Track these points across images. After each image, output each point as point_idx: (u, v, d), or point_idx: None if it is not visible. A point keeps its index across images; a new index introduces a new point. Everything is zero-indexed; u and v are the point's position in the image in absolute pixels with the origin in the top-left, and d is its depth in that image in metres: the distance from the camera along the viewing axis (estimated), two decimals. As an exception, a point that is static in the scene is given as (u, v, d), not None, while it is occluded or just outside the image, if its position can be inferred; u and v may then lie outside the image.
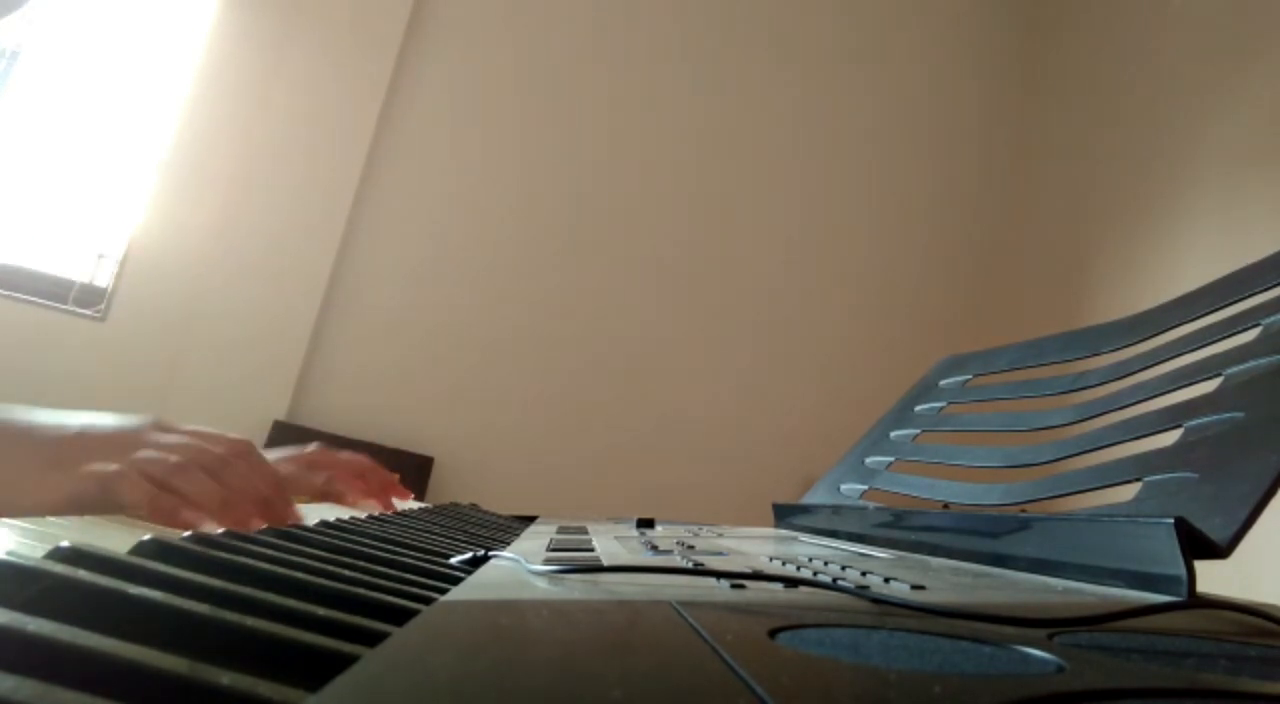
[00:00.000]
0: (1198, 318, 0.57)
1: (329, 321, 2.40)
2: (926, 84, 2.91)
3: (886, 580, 0.38)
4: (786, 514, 0.90)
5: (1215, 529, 0.37)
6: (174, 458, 0.49)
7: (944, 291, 2.80)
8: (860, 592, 0.31)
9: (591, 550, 0.51)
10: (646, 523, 0.79)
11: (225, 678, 0.16)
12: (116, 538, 0.39)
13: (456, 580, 0.34)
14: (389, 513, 0.79)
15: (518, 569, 0.37)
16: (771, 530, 0.86)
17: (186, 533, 0.33)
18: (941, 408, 0.81)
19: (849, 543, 0.65)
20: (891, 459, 0.80)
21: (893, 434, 0.83)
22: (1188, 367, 0.53)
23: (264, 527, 0.43)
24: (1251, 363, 0.47)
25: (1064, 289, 2.50)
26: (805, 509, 0.85)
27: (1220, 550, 0.37)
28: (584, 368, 2.55)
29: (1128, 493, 0.47)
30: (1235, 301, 0.54)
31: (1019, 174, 2.85)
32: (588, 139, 2.64)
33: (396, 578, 0.32)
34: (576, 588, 0.32)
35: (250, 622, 0.20)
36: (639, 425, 2.55)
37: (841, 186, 2.80)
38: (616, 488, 2.45)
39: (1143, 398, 0.55)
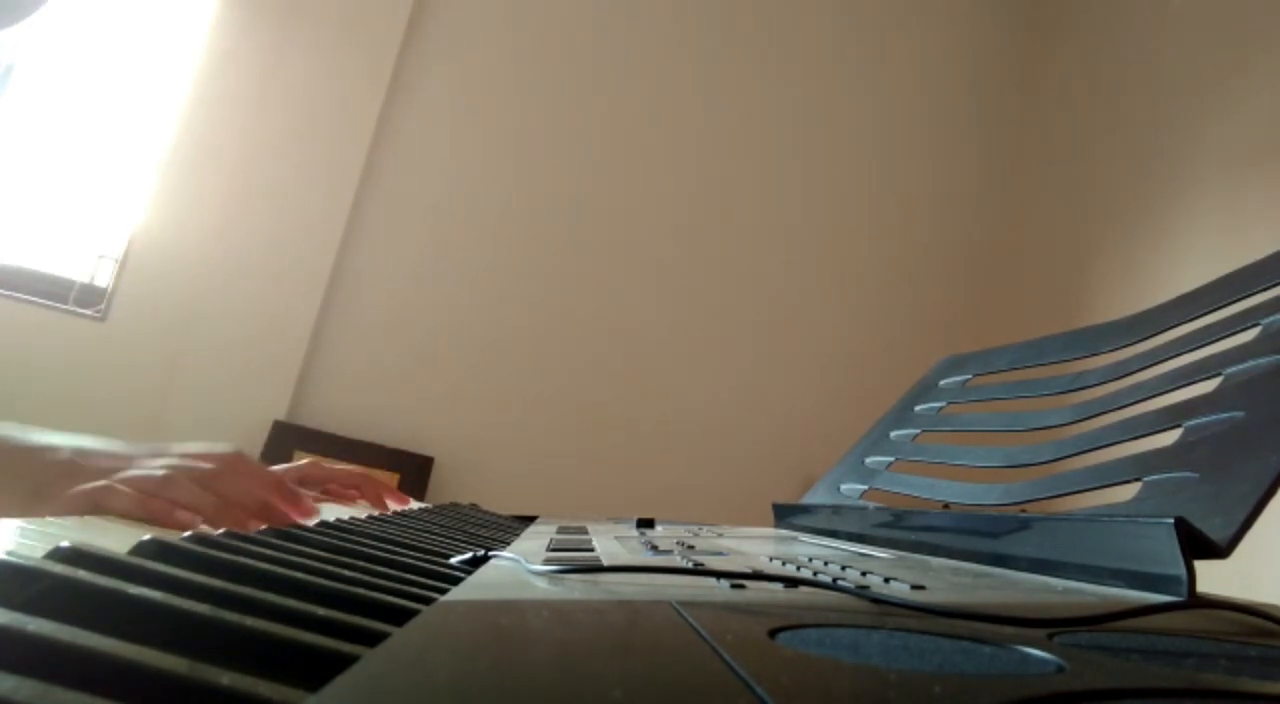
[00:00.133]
0: (1198, 318, 0.57)
1: (329, 322, 2.40)
2: (926, 84, 2.91)
3: (886, 580, 0.38)
4: (786, 514, 0.90)
5: (1215, 529, 0.37)
6: (160, 473, 0.49)
7: (944, 291, 2.80)
8: (860, 592, 0.31)
9: (591, 550, 0.51)
10: (646, 523, 0.79)
11: (225, 678, 0.16)
12: (116, 538, 0.39)
13: (456, 580, 0.34)
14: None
15: (518, 569, 0.37)
16: (771, 530, 0.86)
17: (186, 533, 0.33)
18: (941, 408, 0.81)
19: (849, 543, 0.65)
20: (891, 459, 0.80)
21: (893, 434, 0.83)
22: (1187, 366, 0.53)
23: (263, 527, 0.43)
24: (1251, 363, 0.47)
25: (1064, 289, 2.50)
26: (805, 509, 0.85)
27: (1220, 550, 0.37)
28: (584, 368, 2.55)
29: (1128, 493, 0.47)
30: (1235, 301, 0.54)
31: (1019, 174, 2.85)
32: (588, 139, 2.64)
33: (396, 578, 0.32)
34: (576, 588, 0.32)
35: (250, 622, 0.20)
36: (639, 425, 2.55)
37: (841, 186, 2.80)
38: (616, 488, 2.45)
39: (1142, 398, 0.55)
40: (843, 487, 0.84)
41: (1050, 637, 0.25)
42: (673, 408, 2.58)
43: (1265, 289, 0.52)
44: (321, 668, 0.18)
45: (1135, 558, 0.38)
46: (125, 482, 0.48)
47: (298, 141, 2.39)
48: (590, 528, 0.76)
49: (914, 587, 0.36)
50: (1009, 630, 0.25)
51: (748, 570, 0.37)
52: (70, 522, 0.41)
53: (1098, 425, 0.57)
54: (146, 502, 0.46)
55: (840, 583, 0.35)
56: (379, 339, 2.43)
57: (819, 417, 2.57)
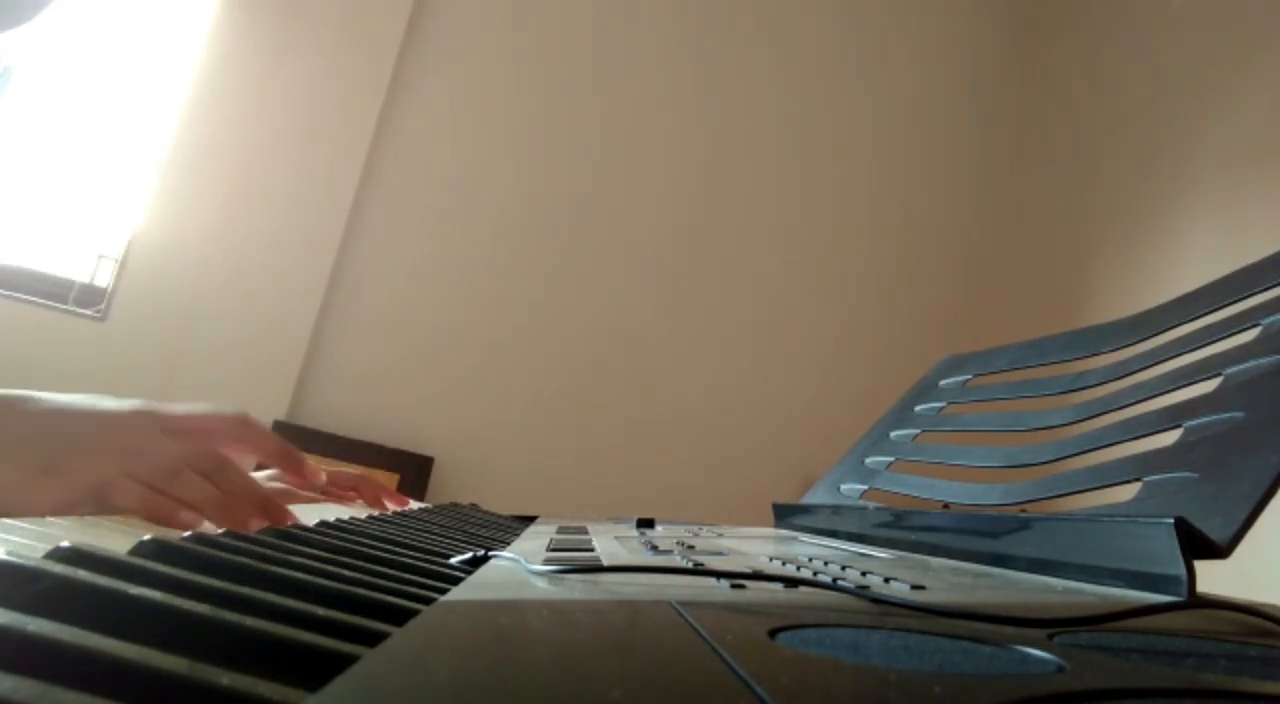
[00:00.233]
0: (1198, 318, 0.57)
1: (329, 321, 2.40)
2: (926, 83, 2.91)
3: (886, 580, 0.38)
4: (786, 514, 0.90)
5: (1215, 529, 0.37)
6: (168, 463, 0.49)
7: (944, 291, 2.80)
8: (860, 592, 0.31)
9: (591, 550, 0.51)
10: (646, 523, 0.79)
11: (225, 678, 0.16)
12: (116, 538, 0.39)
13: (456, 580, 0.34)
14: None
15: (518, 569, 0.37)
16: (771, 530, 0.86)
17: (186, 533, 0.33)
18: (941, 408, 0.81)
19: (849, 543, 0.65)
20: (891, 459, 0.80)
21: (893, 434, 0.83)
22: (1188, 367, 0.53)
23: (264, 527, 0.43)
24: (1251, 363, 0.47)
25: (1064, 289, 2.50)
26: (805, 509, 0.85)
27: (1220, 550, 0.37)
28: (584, 368, 2.55)
29: (1128, 493, 0.47)
30: (1235, 301, 0.54)
31: (1019, 174, 2.85)
32: (587, 139, 2.64)
33: (396, 578, 0.32)
34: (576, 588, 0.32)
35: (250, 622, 0.20)
36: (639, 425, 2.55)
37: (841, 186, 2.80)
38: (616, 488, 2.45)
39: (1143, 398, 0.55)
40: (843, 487, 0.84)
41: (1050, 637, 0.25)
42: (673, 408, 2.58)
43: (1265, 289, 0.52)
44: (321, 668, 0.18)
45: (1135, 558, 0.38)
46: (133, 473, 0.48)
47: (298, 141, 2.39)
48: (590, 528, 0.76)
49: (914, 587, 0.36)
50: (1009, 630, 0.25)
51: (748, 570, 0.37)
52: (70, 521, 0.41)
53: (1098, 425, 0.57)
54: (151, 500, 0.47)
55: (840, 583, 0.35)
56: (379, 339, 2.43)
57: (819, 417, 2.57)
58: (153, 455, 0.50)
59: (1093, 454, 0.55)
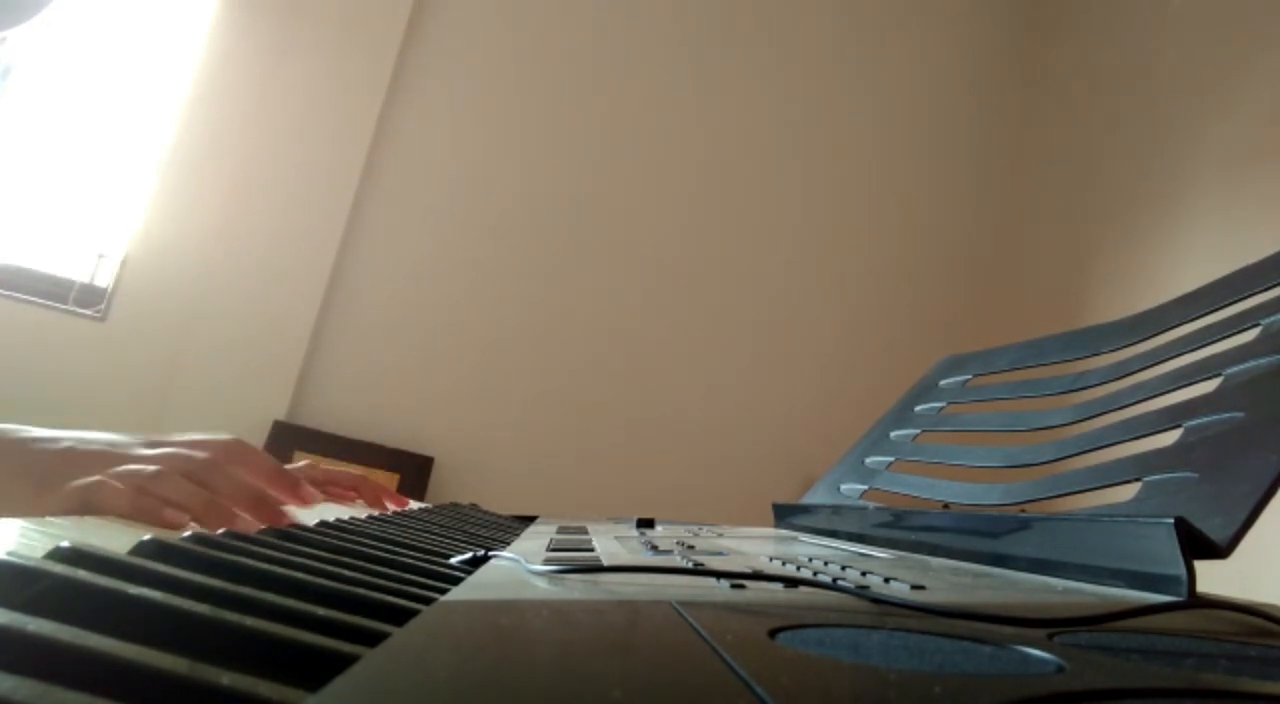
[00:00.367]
0: (1198, 318, 0.57)
1: (329, 321, 2.40)
2: (926, 83, 2.91)
3: (886, 580, 0.38)
4: (786, 514, 0.90)
5: (1215, 529, 0.37)
6: (152, 468, 0.49)
7: (944, 291, 2.80)
8: (860, 592, 0.31)
9: (591, 550, 0.51)
10: (646, 523, 0.79)
11: (225, 678, 0.16)
12: (116, 538, 0.39)
13: (456, 580, 0.34)
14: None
15: (518, 569, 0.37)
16: (771, 530, 0.86)
17: (186, 533, 0.33)
18: (941, 408, 0.81)
19: (849, 543, 0.65)
20: (891, 459, 0.80)
21: (893, 434, 0.83)
22: (1188, 367, 0.53)
23: (257, 527, 0.43)
24: (1251, 363, 0.47)
25: (1064, 289, 2.50)
26: (805, 509, 0.85)
27: (1220, 550, 0.37)
28: (584, 368, 2.55)
29: (1128, 493, 0.47)
30: (1235, 301, 0.54)
31: (1019, 174, 2.85)
32: (587, 139, 2.64)
33: (396, 578, 0.32)
34: (576, 588, 0.32)
35: (250, 622, 0.20)
36: (639, 425, 2.55)
37: (841, 186, 2.80)
38: (616, 488, 2.45)
39: (1143, 398, 0.55)
40: (843, 487, 0.84)
41: (1050, 637, 0.25)
42: (673, 408, 2.58)
43: (1265, 289, 0.52)
44: (321, 668, 0.18)
45: (1135, 558, 0.38)
46: (118, 477, 0.48)
47: (298, 141, 2.39)
48: (590, 528, 0.76)
49: (914, 587, 0.36)
50: (1009, 630, 0.25)
51: (748, 570, 0.37)
52: (70, 521, 0.41)
53: (1098, 425, 0.57)
54: (137, 499, 0.47)
55: (840, 583, 0.35)
56: (379, 339, 2.43)
57: (819, 417, 2.57)
58: (138, 462, 0.50)
59: (1093, 454, 0.55)
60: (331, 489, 0.80)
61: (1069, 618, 0.28)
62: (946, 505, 0.66)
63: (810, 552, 0.56)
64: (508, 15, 2.61)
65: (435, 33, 2.54)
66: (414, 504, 0.94)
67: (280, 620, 0.21)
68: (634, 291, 2.61)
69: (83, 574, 0.22)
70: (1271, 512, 0.38)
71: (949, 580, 0.41)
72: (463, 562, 0.41)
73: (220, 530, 0.36)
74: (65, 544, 0.25)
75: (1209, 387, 0.49)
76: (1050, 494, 0.56)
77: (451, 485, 2.36)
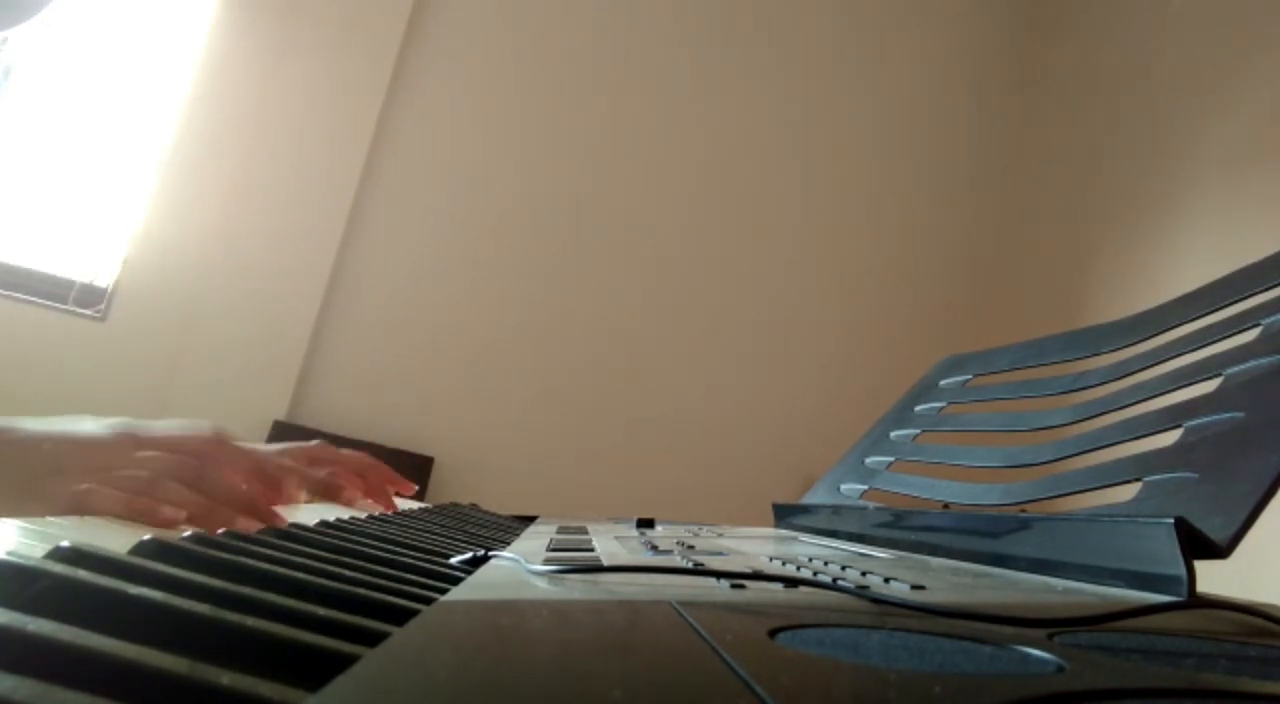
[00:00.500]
0: (1198, 318, 0.57)
1: (329, 321, 2.40)
2: (926, 84, 2.91)
3: (886, 580, 0.38)
4: (786, 514, 0.90)
5: (1215, 529, 0.37)
6: (146, 473, 0.49)
7: (944, 292, 2.80)
8: (860, 592, 0.31)
9: (591, 550, 0.51)
10: (646, 523, 0.79)
11: (225, 678, 0.16)
12: (116, 538, 0.39)
13: (456, 580, 0.34)
14: (390, 512, 0.79)
15: (518, 569, 0.37)
16: (771, 530, 0.86)
17: (186, 533, 0.33)
18: (941, 408, 0.81)
19: (849, 543, 0.65)
20: (891, 459, 0.80)
21: (893, 434, 0.83)
22: (1188, 367, 0.53)
23: (253, 528, 0.43)
24: (1251, 363, 0.47)
25: (1064, 289, 2.50)
26: (805, 509, 0.85)
27: (1220, 550, 0.37)
28: (584, 368, 2.55)
29: (1128, 493, 0.47)
30: (1235, 301, 0.54)
31: (1019, 174, 2.85)
32: (587, 139, 2.64)
33: (396, 578, 0.32)
34: (576, 588, 0.32)
35: (250, 622, 0.20)
36: (639, 425, 2.55)
37: (841, 186, 2.80)
38: (616, 488, 2.45)
39: (1143, 398, 0.55)
40: (843, 487, 0.84)
41: (1050, 637, 0.25)
42: (673, 408, 2.57)
43: (1265, 289, 0.52)
44: (321, 668, 0.18)
45: (1135, 558, 0.38)
46: (112, 483, 0.48)
47: (298, 141, 2.39)
48: (590, 528, 0.76)
49: (914, 587, 0.36)
50: (1009, 630, 0.25)
51: (748, 570, 0.37)
52: (70, 521, 0.41)
53: (1098, 425, 0.57)
54: (131, 502, 0.46)
55: (840, 583, 0.35)
56: (379, 339, 2.43)
57: (819, 417, 2.57)
58: (130, 469, 0.50)
59: (1093, 454, 0.55)
60: (338, 471, 0.80)
61: (1069, 618, 0.28)
62: (946, 505, 0.66)
63: (810, 552, 0.56)
64: (508, 15, 2.61)
65: (435, 33, 2.54)
66: (414, 504, 0.94)
67: (280, 620, 0.21)
68: (634, 292, 2.61)
69: (83, 574, 0.22)
70: (1271, 512, 0.38)
71: (949, 580, 0.41)
72: (463, 562, 0.41)
73: (220, 531, 0.36)
74: (65, 544, 0.25)
75: (1209, 387, 0.49)
76: (1050, 494, 0.56)
77: (451, 485, 2.36)
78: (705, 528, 0.81)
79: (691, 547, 0.54)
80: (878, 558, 0.53)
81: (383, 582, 0.31)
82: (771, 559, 0.49)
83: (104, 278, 2.27)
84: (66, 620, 0.18)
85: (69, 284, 2.25)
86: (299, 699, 0.16)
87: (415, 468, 2.32)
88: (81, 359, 2.20)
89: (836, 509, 0.78)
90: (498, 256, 2.53)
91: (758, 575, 0.35)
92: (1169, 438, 0.49)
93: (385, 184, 2.47)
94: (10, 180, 2.29)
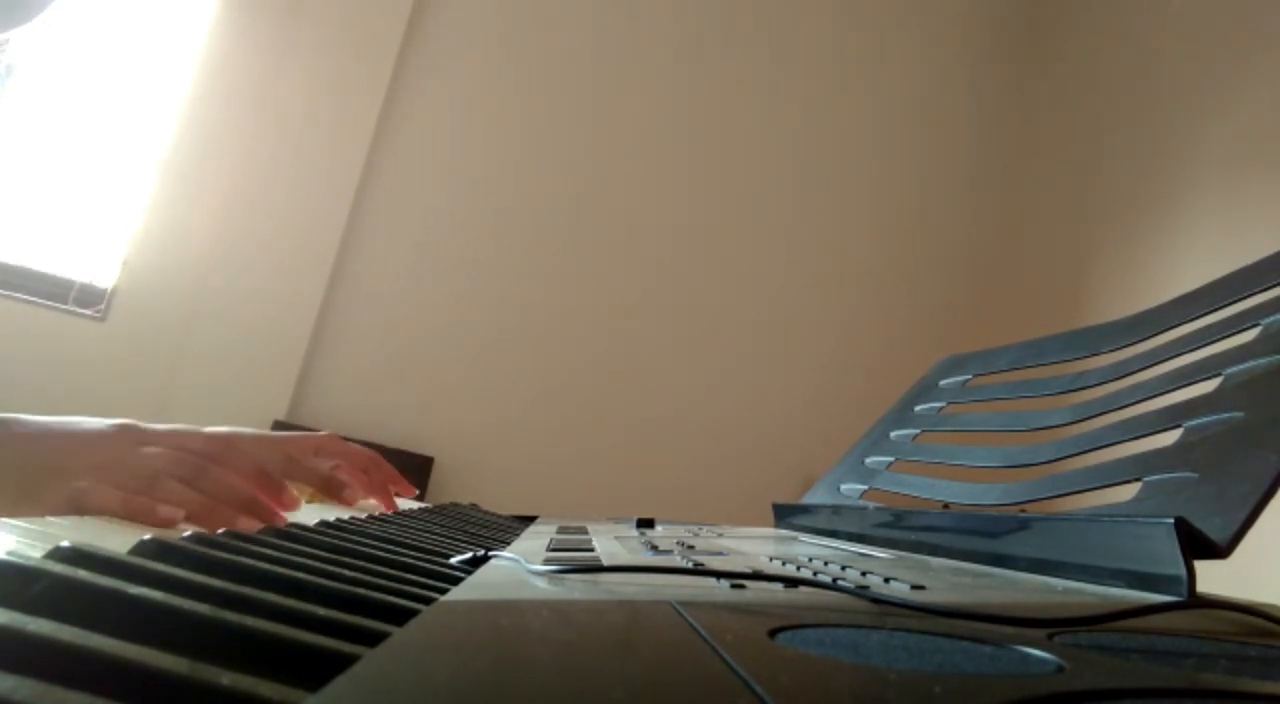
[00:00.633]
0: (1198, 318, 0.57)
1: (329, 321, 2.40)
2: (926, 83, 2.91)
3: (886, 580, 0.38)
4: (786, 514, 0.90)
5: (1215, 529, 0.37)
6: (146, 473, 0.49)
7: (944, 291, 2.80)
8: (860, 592, 0.31)
9: (591, 550, 0.51)
10: (646, 523, 0.79)
11: (225, 678, 0.16)
12: (116, 538, 0.39)
13: (456, 580, 0.34)
14: (390, 512, 0.79)
15: (518, 569, 0.37)
16: (771, 530, 0.86)
17: (186, 533, 0.33)
18: (941, 408, 0.81)
19: (849, 543, 0.65)
20: (891, 459, 0.80)
21: (893, 434, 0.83)
22: (1188, 367, 0.53)
23: (253, 528, 0.43)
24: (1251, 363, 0.47)
25: (1064, 289, 2.50)
26: (805, 509, 0.85)
27: (1220, 550, 0.37)
28: (584, 368, 2.55)
29: (1128, 493, 0.47)
30: (1235, 301, 0.54)
31: (1019, 173, 2.85)
32: (587, 139, 2.64)
33: (396, 578, 0.32)
34: (576, 588, 0.32)
35: (250, 622, 0.20)
36: (639, 425, 2.55)
37: (841, 186, 2.80)
38: (616, 488, 2.45)
39: (1142, 398, 0.55)
40: (843, 487, 0.84)
41: (1050, 637, 0.25)
42: (673, 408, 2.58)
43: (1265, 289, 0.52)
44: (321, 668, 0.18)
45: (1135, 558, 0.38)
46: (111, 481, 0.48)
47: (298, 142, 2.39)
48: (590, 528, 0.76)
49: (914, 587, 0.36)
50: (1009, 630, 0.25)
51: (748, 570, 0.37)
52: (70, 521, 0.41)
53: (1098, 425, 0.57)
54: (129, 500, 0.46)
55: (840, 583, 0.35)
56: (379, 339, 2.43)
57: (819, 417, 2.57)
58: (130, 467, 0.49)
59: (1093, 454, 0.55)
60: (344, 466, 0.80)
61: (1069, 618, 0.28)
62: (946, 505, 0.66)
63: (810, 552, 0.56)
64: (508, 15, 2.61)
65: (435, 33, 2.54)
66: (414, 504, 0.94)
67: (280, 620, 0.21)
68: (634, 291, 2.61)
69: (83, 574, 0.22)
70: (1271, 512, 0.38)
71: (949, 580, 0.41)
72: (463, 562, 0.41)
73: (220, 530, 0.36)
74: (65, 544, 0.25)
75: (1209, 387, 0.49)
76: (1050, 494, 0.56)
77: (451, 485, 2.36)
78: (705, 528, 0.81)
79: (691, 547, 0.54)
80: (878, 558, 0.53)
81: (383, 582, 0.31)
82: (771, 559, 0.49)
83: (104, 278, 2.27)
84: (66, 620, 0.18)
85: (69, 284, 2.25)
86: (299, 699, 0.16)
87: (415, 468, 2.32)
88: (81, 359, 2.20)
89: (836, 509, 0.78)
90: (498, 256, 2.53)
91: (758, 575, 0.35)
92: (1169, 438, 0.49)
93: (385, 184, 2.47)
94: (10, 180, 2.30)
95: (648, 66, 2.70)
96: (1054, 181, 2.70)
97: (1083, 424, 0.60)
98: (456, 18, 2.57)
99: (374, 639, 0.20)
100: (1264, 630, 0.31)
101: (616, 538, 0.63)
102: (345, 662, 0.18)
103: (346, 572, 0.31)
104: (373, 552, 0.39)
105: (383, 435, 2.33)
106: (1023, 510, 0.57)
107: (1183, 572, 0.35)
